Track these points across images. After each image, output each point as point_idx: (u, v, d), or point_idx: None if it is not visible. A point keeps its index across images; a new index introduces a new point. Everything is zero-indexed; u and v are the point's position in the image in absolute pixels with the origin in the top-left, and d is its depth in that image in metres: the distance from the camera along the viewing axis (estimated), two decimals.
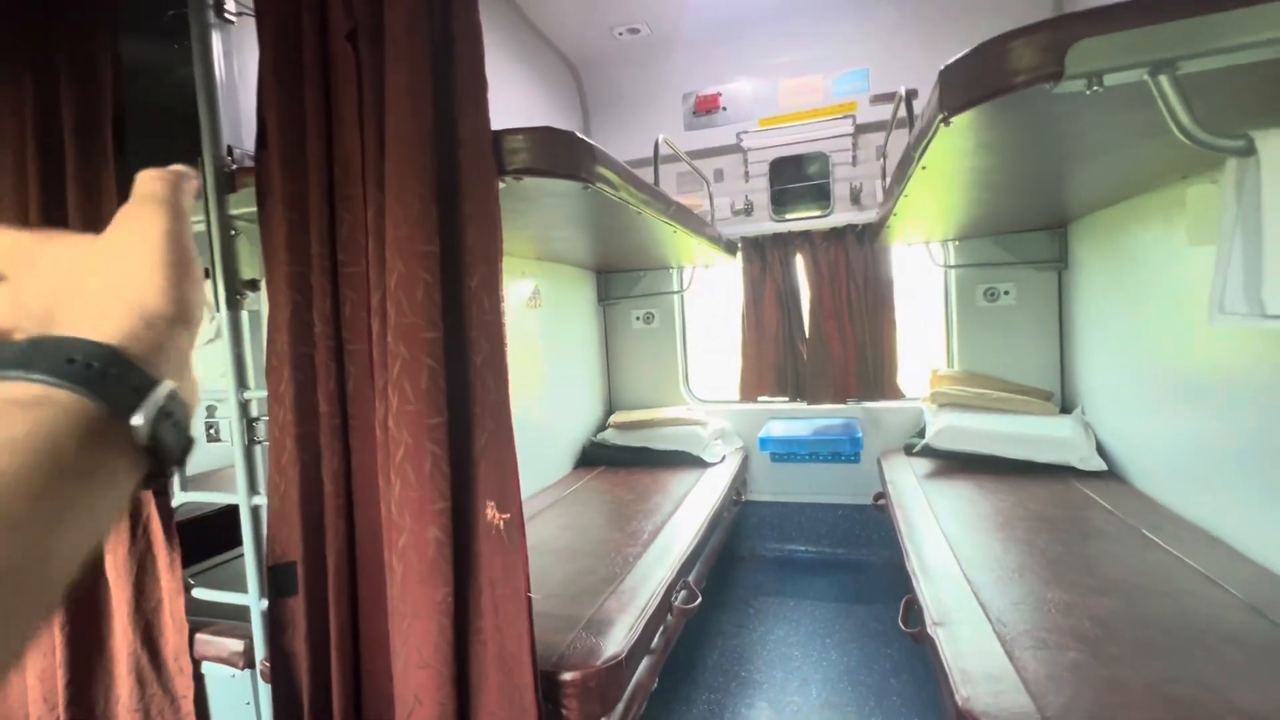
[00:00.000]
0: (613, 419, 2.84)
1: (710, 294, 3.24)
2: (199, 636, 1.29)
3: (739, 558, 2.82)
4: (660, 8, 2.35)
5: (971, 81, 0.82)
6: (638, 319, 3.06)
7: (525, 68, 2.44)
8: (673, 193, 2.75)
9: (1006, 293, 2.55)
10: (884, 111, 2.49)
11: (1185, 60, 0.72)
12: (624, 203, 1.30)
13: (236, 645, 1.27)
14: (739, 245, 2.78)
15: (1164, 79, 0.74)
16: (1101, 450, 2.09)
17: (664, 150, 2.22)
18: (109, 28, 1.22)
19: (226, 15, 1.23)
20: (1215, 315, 0.77)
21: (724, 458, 2.64)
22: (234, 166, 1.21)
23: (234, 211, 1.20)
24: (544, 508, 2.09)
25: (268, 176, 1.02)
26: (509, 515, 0.97)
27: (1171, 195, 1.62)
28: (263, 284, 1.22)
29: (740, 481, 2.67)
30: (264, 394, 1.17)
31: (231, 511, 1.23)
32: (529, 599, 0.97)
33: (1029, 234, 2.46)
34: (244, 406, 1.21)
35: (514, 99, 2.38)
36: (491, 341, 0.96)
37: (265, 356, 1.05)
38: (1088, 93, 0.76)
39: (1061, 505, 1.79)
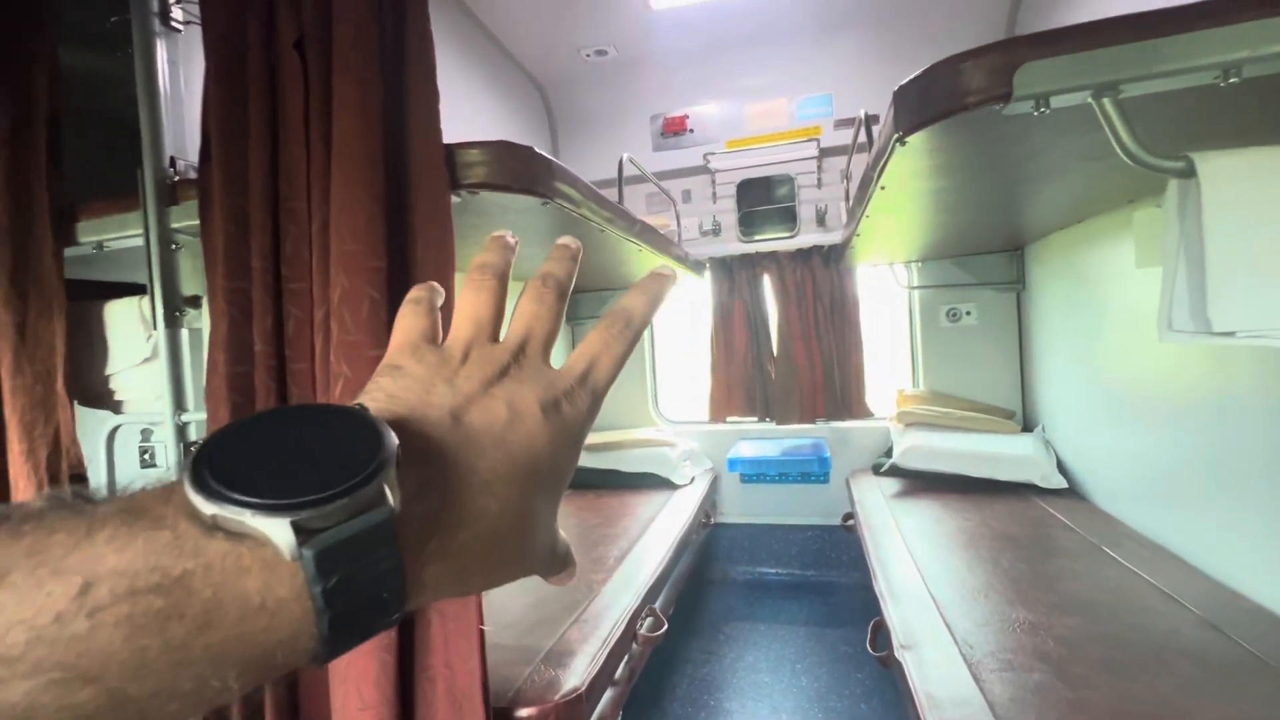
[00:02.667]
0: None
1: (680, 314, 3.24)
2: None
3: (709, 581, 2.78)
4: (627, 31, 2.38)
5: (924, 102, 0.83)
6: None
7: (493, 87, 2.43)
8: (641, 212, 2.75)
9: (968, 313, 2.60)
10: (847, 136, 2.55)
11: (1127, 83, 0.73)
12: (585, 220, 1.28)
13: None
14: (707, 265, 2.79)
15: (1107, 101, 0.75)
16: (1062, 468, 2.12)
17: (630, 170, 2.22)
18: (47, 32, 1.17)
19: (173, 24, 1.19)
20: (1164, 333, 0.78)
21: (693, 479, 2.61)
22: (176, 178, 1.16)
23: (176, 225, 1.15)
24: None
25: (209, 189, 0.98)
26: None
27: (1119, 219, 1.67)
28: (205, 300, 1.17)
29: (709, 503, 2.64)
30: (203, 416, 1.11)
31: None
32: (482, 631, 0.92)
33: (988, 256, 2.52)
34: (181, 430, 1.15)
35: (481, 118, 2.36)
36: None
37: (205, 377, 0.99)
38: (1035, 114, 0.78)
39: (1024, 523, 1.80)
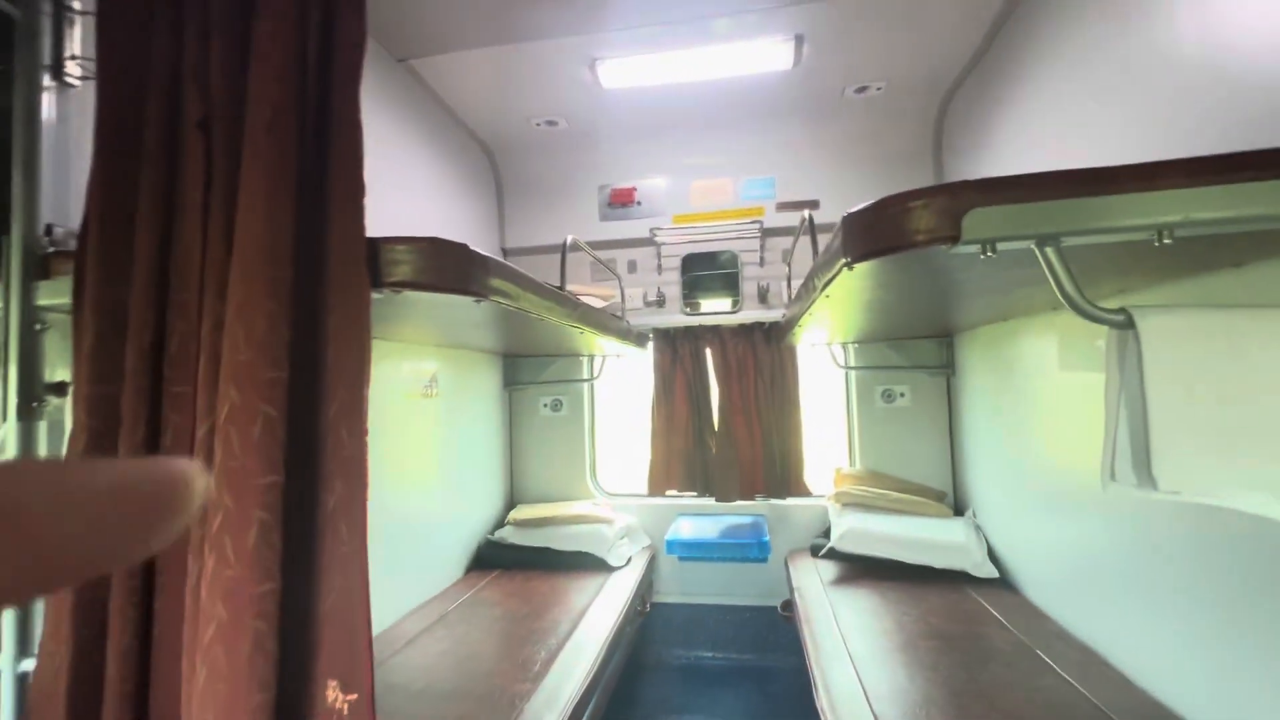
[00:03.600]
0: (512, 515, 2.63)
1: (624, 380, 3.18)
2: None
3: (644, 667, 2.63)
4: (578, 105, 2.39)
5: (873, 234, 0.82)
6: (545, 406, 2.93)
7: (439, 150, 2.37)
8: (585, 280, 2.71)
9: (902, 394, 2.66)
10: (788, 217, 2.62)
11: (1068, 235, 0.74)
12: (523, 312, 1.21)
13: None
14: (650, 336, 2.76)
15: (1050, 250, 0.76)
16: (992, 554, 2.15)
17: (576, 244, 2.18)
18: None
19: (66, 79, 1.07)
20: (1107, 484, 0.77)
21: (629, 559, 2.49)
22: (51, 249, 1.02)
23: (44, 301, 1.00)
24: (424, 629, 1.84)
25: (82, 274, 0.85)
26: (356, 695, 0.80)
27: (1044, 321, 1.75)
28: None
29: (646, 586, 2.52)
30: None
31: None
32: None
33: (920, 340, 2.61)
34: None
35: (426, 181, 2.28)
36: (349, 481, 0.81)
37: None
38: (981, 257, 0.77)
39: (959, 619, 1.79)
